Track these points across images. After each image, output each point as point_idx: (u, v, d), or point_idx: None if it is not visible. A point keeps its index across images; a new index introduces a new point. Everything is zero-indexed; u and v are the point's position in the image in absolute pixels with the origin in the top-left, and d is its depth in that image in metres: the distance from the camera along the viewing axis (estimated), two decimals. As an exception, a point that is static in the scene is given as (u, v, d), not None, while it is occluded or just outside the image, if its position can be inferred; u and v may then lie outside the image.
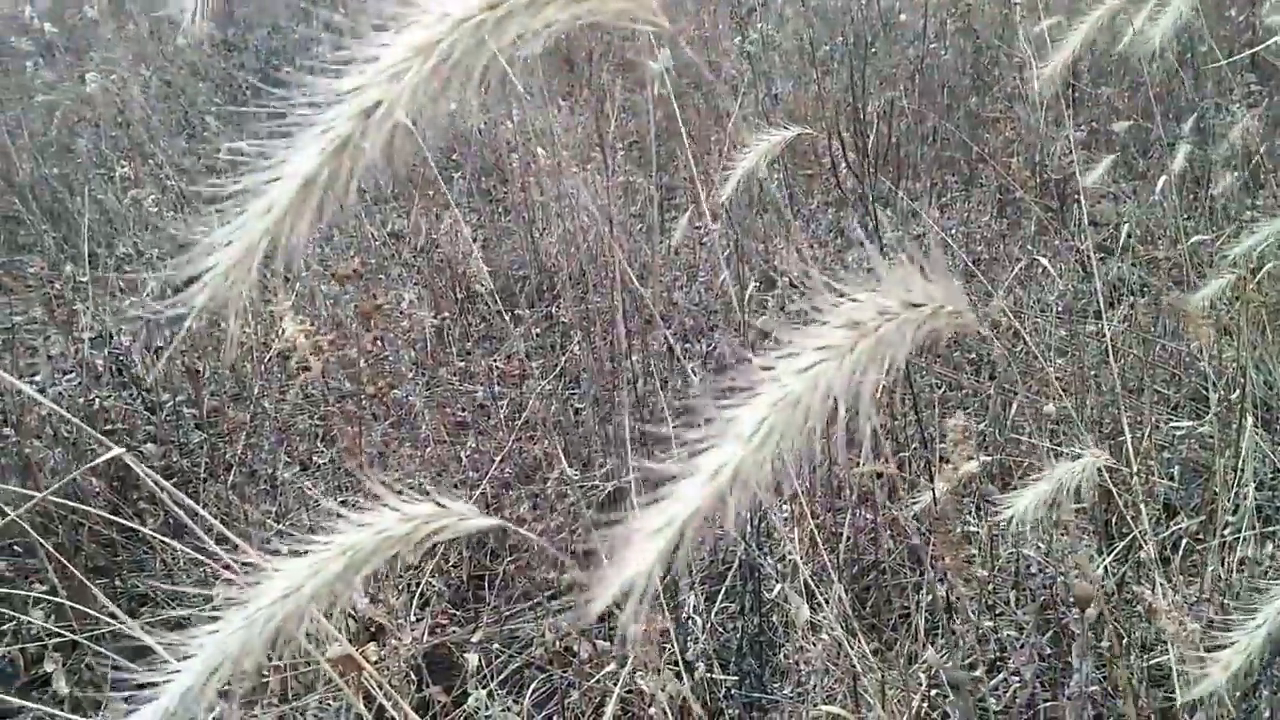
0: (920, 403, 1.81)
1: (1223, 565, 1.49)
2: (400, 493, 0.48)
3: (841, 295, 0.42)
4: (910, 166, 3.43)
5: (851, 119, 3.20)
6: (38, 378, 1.97)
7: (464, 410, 1.92)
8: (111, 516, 1.48)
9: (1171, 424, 1.86)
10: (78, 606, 1.01)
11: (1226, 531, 1.51)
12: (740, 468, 0.38)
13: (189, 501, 0.90)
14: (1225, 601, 1.33)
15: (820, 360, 0.40)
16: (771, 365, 0.40)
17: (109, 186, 2.60)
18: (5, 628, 1.25)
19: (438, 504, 0.47)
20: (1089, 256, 1.37)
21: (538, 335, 2.28)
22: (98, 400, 1.73)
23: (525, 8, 0.41)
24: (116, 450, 0.69)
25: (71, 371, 1.87)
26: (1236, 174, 1.74)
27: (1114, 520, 1.56)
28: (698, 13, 5.19)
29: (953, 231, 2.88)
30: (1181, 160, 1.54)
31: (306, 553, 0.47)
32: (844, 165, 2.62)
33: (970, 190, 3.30)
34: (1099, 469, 0.92)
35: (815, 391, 0.40)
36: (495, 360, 2.09)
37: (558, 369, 1.99)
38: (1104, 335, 2.25)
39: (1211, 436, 1.68)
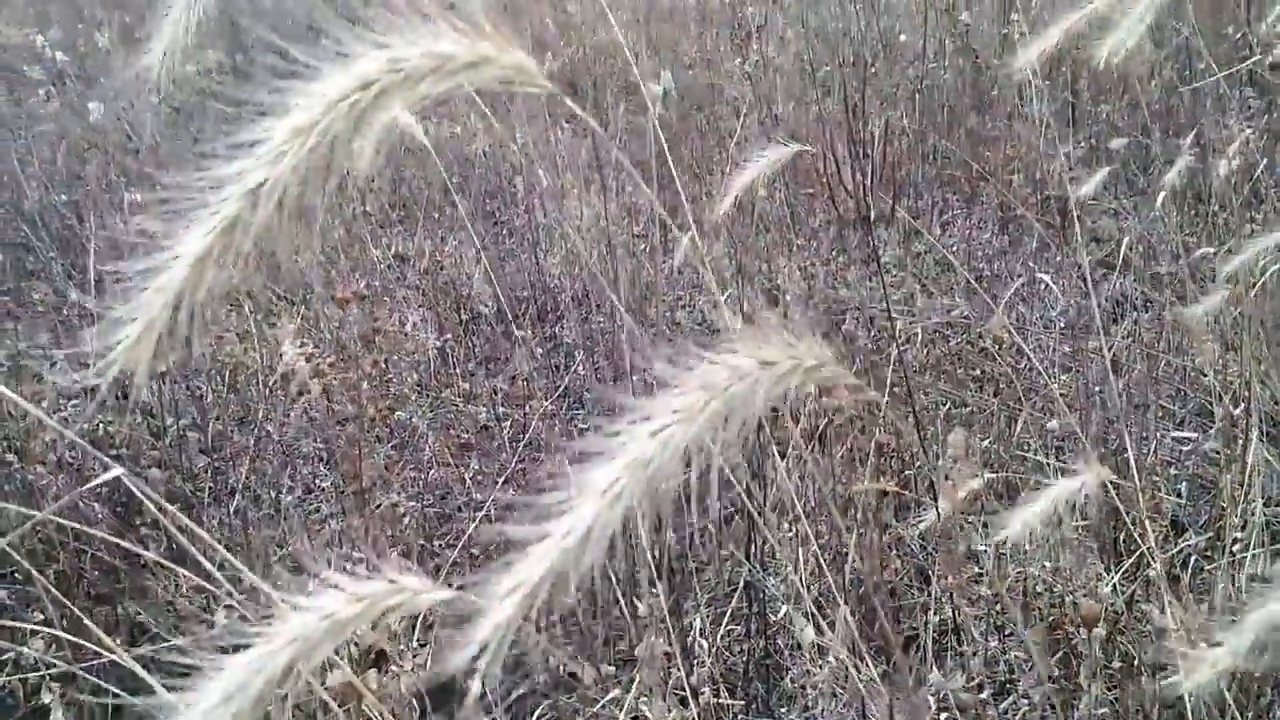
0: (924, 420, 1.81)
1: (1233, 583, 1.48)
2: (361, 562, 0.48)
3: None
4: (912, 185, 3.44)
5: (852, 138, 3.21)
6: (43, 404, 1.98)
7: (467, 432, 1.92)
8: (115, 540, 1.48)
9: (1176, 439, 1.85)
10: (75, 639, 1.01)
11: (1235, 548, 1.50)
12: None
13: (192, 525, 0.90)
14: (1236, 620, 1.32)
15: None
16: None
17: (117, 213, 2.62)
18: (5, 658, 1.25)
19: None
20: (1086, 274, 1.37)
21: (541, 356, 2.28)
22: (102, 425, 1.73)
23: (399, 85, 0.42)
24: (115, 470, 0.69)
25: (76, 397, 1.87)
26: (1233, 181, 1.74)
27: (1121, 538, 1.56)
28: (700, 35, 5.22)
29: (954, 249, 2.89)
30: (1176, 174, 1.54)
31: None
32: (843, 185, 2.63)
33: (971, 208, 3.31)
34: (1105, 485, 0.91)
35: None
36: (498, 381, 2.09)
37: (561, 389, 1.99)
38: (1108, 350, 2.25)
39: (1218, 452, 1.67)
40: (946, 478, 0.94)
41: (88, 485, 0.82)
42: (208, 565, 0.90)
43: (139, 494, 0.68)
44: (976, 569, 1.55)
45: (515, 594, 0.38)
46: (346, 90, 0.44)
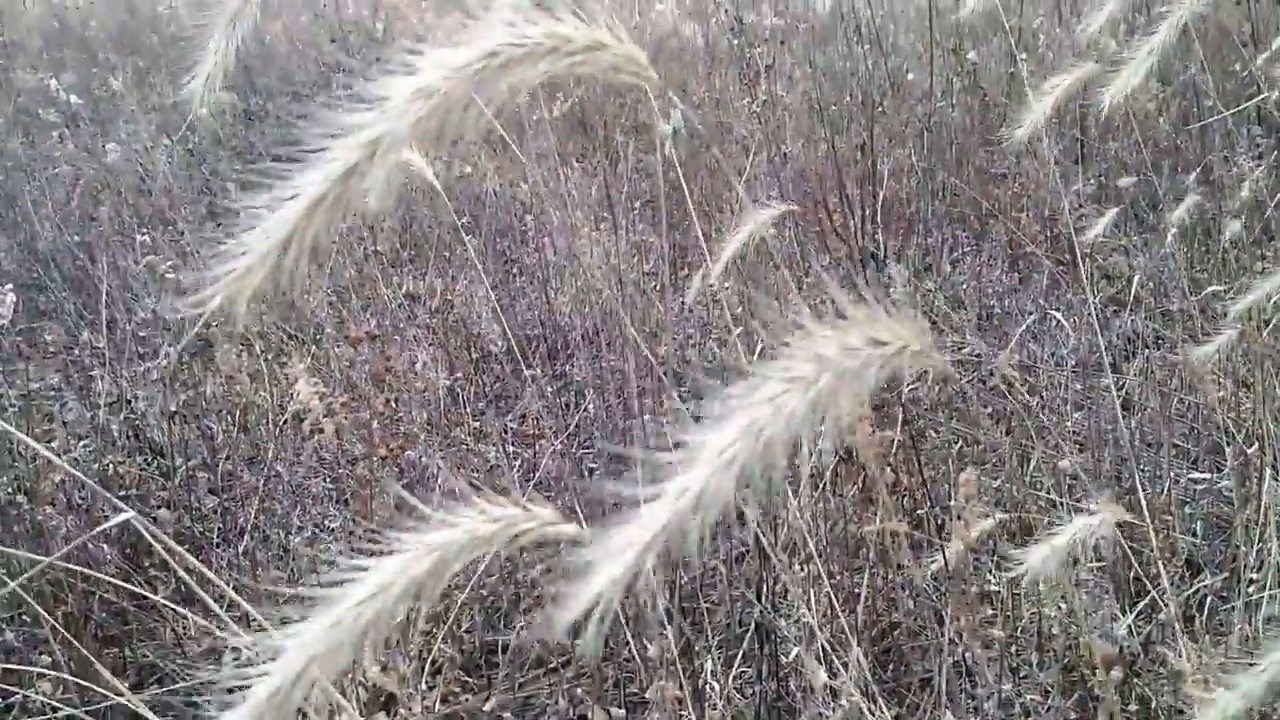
0: (936, 458, 1.80)
1: (1250, 624, 1.46)
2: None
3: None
4: (921, 222, 3.45)
5: (861, 176, 3.23)
6: (54, 444, 1.98)
7: (476, 471, 1.92)
8: (123, 584, 1.48)
9: (1191, 478, 1.84)
10: (83, 682, 1.01)
11: (1251, 589, 1.48)
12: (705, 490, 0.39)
13: (200, 567, 0.90)
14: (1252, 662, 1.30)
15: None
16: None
17: (130, 254, 2.64)
18: (13, 700, 1.24)
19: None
20: (1095, 312, 1.37)
21: (551, 395, 2.28)
22: (112, 465, 1.74)
23: (520, 59, 0.42)
24: (126, 514, 0.69)
25: (87, 437, 1.88)
26: (1244, 223, 1.74)
27: (1136, 577, 1.54)
28: (709, 75, 5.27)
29: (964, 286, 2.89)
30: (1182, 212, 1.54)
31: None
32: (852, 222, 2.63)
33: (982, 245, 3.31)
34: (1118, 525, 0.90)
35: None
36: (508, 420, 2.09)
37: (571, 428, 1.99)
38: (1120, 388, 2.24)
39: (1231, 490, 1.65)
40: (958, 517, 0.93)
41: (97, 529, 0.82)
42: (215, 607, 0.90)
43: (148, 536, 0.68)
44: (991, 610, 1.53)
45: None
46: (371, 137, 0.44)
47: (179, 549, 0.84)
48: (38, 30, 6.95)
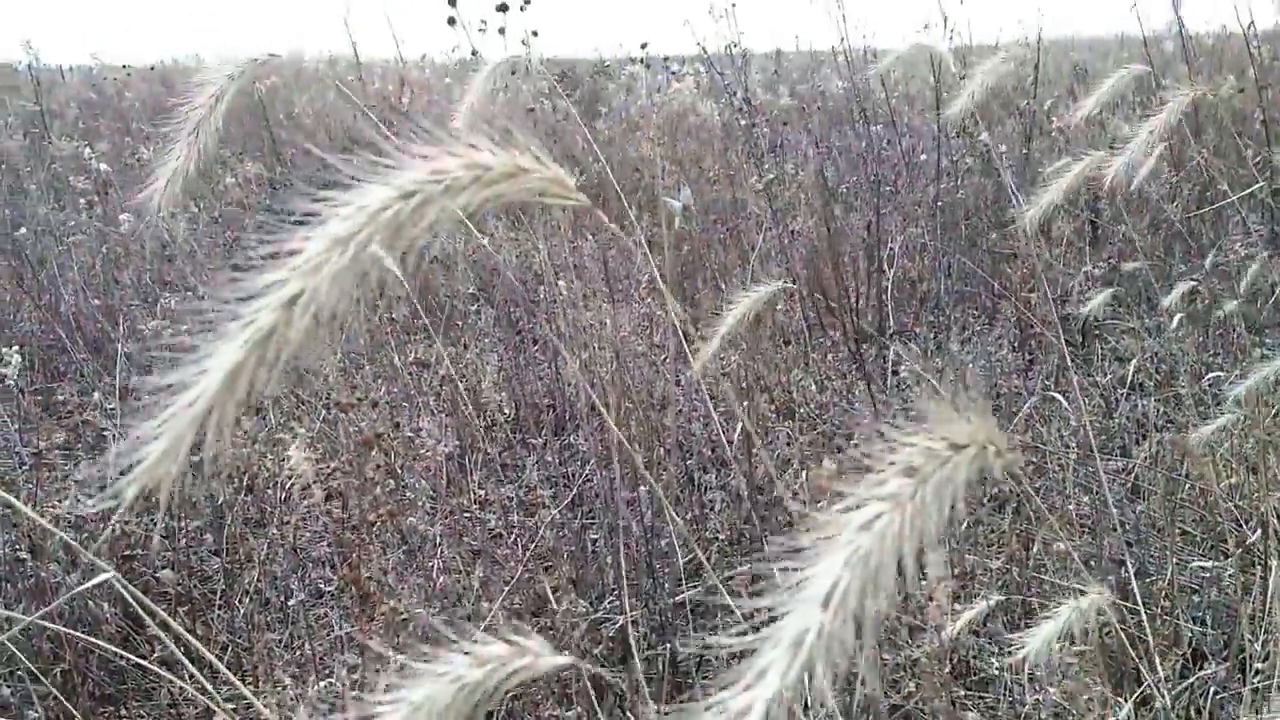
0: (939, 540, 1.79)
1: (1256, 715, 1.43)
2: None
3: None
4: (933, 300, 3.47)
5: (869, 254, 3.26)
6: (64, 500, 2.00)
7: (477, 539, 1.92)
8: (119, 643, 1.48)
9: (1197, 565, 1.82)
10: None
11: (1257, 679, 1.46)
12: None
13: (187, 636, 0.90)
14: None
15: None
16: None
17: (150, 317, 2.69)
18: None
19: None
20: (1102, 395, 1.37)
21: (556, 465, 2.29)
22: (118, 525, 1.75)
23: (440, 194, 0.44)
24: (107, 573, 0.70)
25: (95, 496, 1.90)
26: (1242, 306, 1.75)
27: (1134, 665, 1.52)
28: (725, 151, 5.36)
29: (973, 366, 2.89)
30: (1176, 297, 1.55)
31: None
32: (861, 300, 2.66)
33: (992, 324, 3.33)
34: (1120, 611, 0.90)
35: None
36: (512, 489, 2.09)
37: (572, 498, 2.00)
38: (1128, 472, 2.23)
39: (1232, 578, 1.64)
40: (930, 597, 0.93)
41: (82, 585, 0.83)
42: (215, 669, 0.90)
43: (134, 601, 0.69)
44: (990, 694, 1.51)
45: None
46: (387, 200, 0.45)
47: (160, 613, 0.85)
48: (75, 100, 7.16)
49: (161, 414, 0.43)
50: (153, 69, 7.47)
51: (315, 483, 1.24)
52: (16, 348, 1.78)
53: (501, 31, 2.62)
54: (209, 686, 0.81)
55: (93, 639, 1.38)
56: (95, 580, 0.73)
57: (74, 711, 0.98)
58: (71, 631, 1.29)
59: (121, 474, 0.45)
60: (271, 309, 0.43)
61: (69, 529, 1.84)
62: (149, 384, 0.44)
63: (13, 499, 0.76)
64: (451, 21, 2.46)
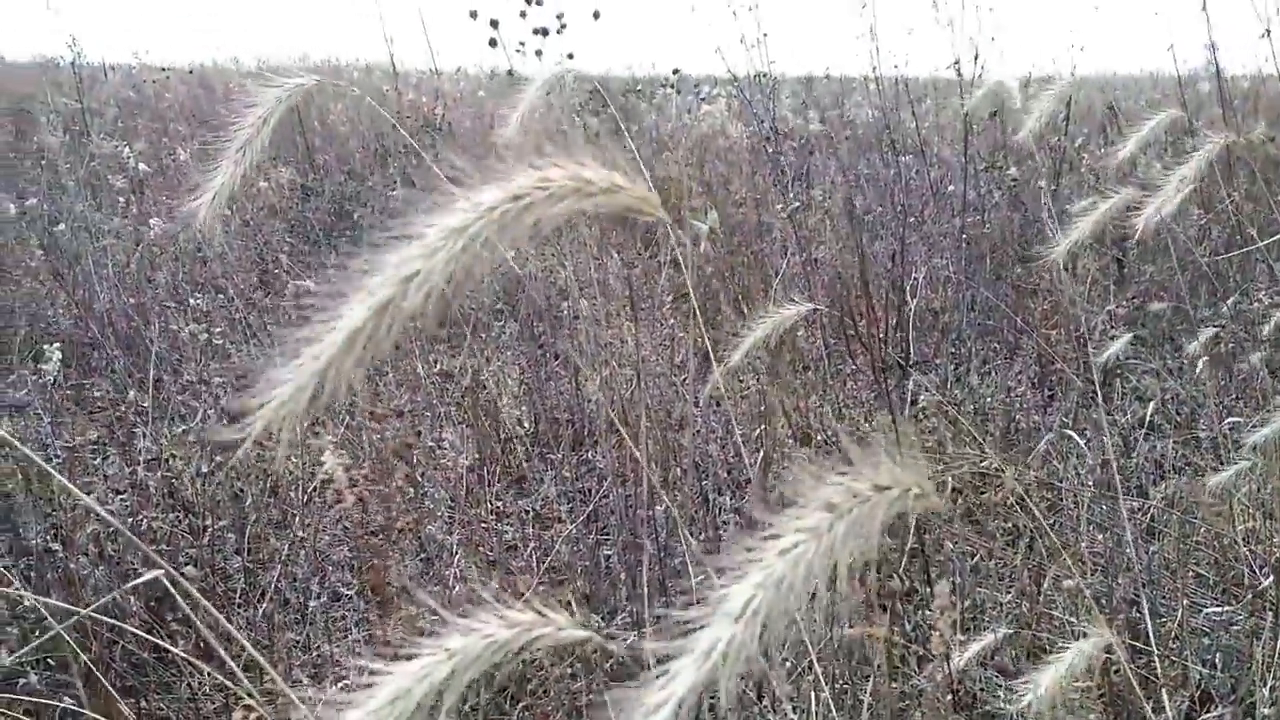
0: (948, 571, 1.80)
1: (1262, 760, 1.44)
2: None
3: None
4: (955, 331, 3.48)
5: (893, 284, 3.28)
6: (92, 496, 2.04)
7: (493, 550, 1.95)
8: (146, 636, 1.52)
9: (1211, 609, 1.82)
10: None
11: (1263, 724, 1.46)
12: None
13: (227, 626, 0.93)
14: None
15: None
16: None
17: (181, 317, 2.74)
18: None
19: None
20: (1121, 435, 1.39)
21: (573, 480, 2.31)
22: (145, 521, 1.79)
23: (544, 202, 0.48)
24: (156, 571, 0.73)
25: (125, 492, 1.94)
26: (1267, 353, 1.76)
27: (1146, 705, 1.52)
28: (753, 174, 5.39)
29: (992, 399, 2.90)
30: (1200, 345, 1.57)
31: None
32: (882, 329, 2.67)
33: (1013, 359, 3.33)
34: (1128, 651, 0.91)
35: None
36: (529, 503, 2.12)
37: (588, 513, 2.02)
38: (1145, 513, 2.24)
39: (1247, 622, 1.64)
40: (932, 627, 0.95)
41: (131, 583, 0.86)
42: (232, 665, 0.93)
43: (176, 593, 0.72)
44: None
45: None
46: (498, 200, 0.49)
47: (209, 607, 0.87)
48: (114, 99, 7.28)
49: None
50: (191, 72, 7.59)
51: (349, 488, 1.27)
52: (57, 345, 1.83)
53: (539, 54, 2.67)
54: (239, 673, 0.83)
55: (126, 628, 1.41)
56: (148, 576, 0.76)
57: (110, 692, 1.01)
58: (105, 618, 1.33)
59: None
60: (390, 284, 0.47)
61: (98, 523, 1.88)
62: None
63: (67, 483, 0.79)
64: (493, 43, 2.51)
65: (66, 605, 1.16)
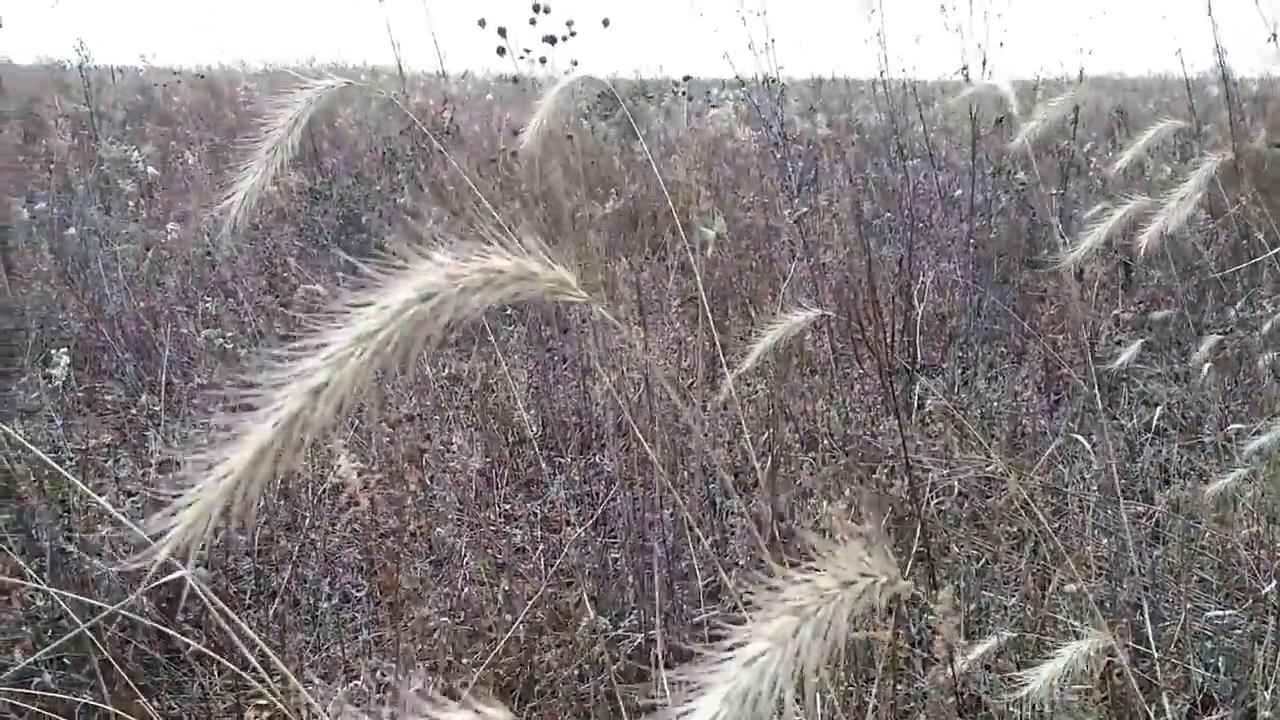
0: (954, 575, 1.81)
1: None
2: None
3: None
4: (962, 336, 3.49)
5: (900, 289, 3.29)
6: (104, 497, 2.06)
7: (502, 553, 1.96)
8: (173, 633, 1.53)
9: (1213, 612, 1.83)
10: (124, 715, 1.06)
11: (1266, 727, 1.47)
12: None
13: (242, 627, 0.95)
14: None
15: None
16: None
17: (191, 320, 2.76)
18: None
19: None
20: (1126, 439, 1.39)
21: (581, 483, 2.33)
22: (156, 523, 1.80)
23: (456, 295, 0.49)
24: (182, 570, 0.75)
25: (136, 494, 1.96)
26: (1274, 359, 1.77)
27: (1148, 707, 1.53)
28: (760, 178, 5.40)
29: (999, 404, 2.91)
30: (1206, 351, 1.58)
31: None
32: (889, 334, 2.68)
33: (1020, 363, 3.34)
34: (1135, 653, 0.92)
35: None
36: (537, 506, 2.14)
37: (595, 517, 2.04)
38: (1149, 518, 2.24)
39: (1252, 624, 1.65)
40: (935, 632, 0.96)
41: (156, 581, 0.87)
42: (255, 663, 0.94)
43: (203, 595, 0.74)
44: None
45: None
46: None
47: (224, 608, 0.89)
48: (122, 102, 7.32)
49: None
50: (202, 77, 7.62)
51: (363, 490, 1.29)
52: (65, 349, 1.85)
53: (543, 61, 2.69)
54: (257, 667, 0.85)
55: (138, 623, 1.43)
56: (172, 576, 0.77)
57: (130, 685, 1.03)
58: (130, 616, 1.34)
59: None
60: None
61: (110, 525, 1.90)
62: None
63: (84, 487, 0.81)
64: (501, 52, 2.53)
65: (93, 602, 1.18)
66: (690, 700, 0.42)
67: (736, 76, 5.35)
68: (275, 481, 2.23)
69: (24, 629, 1.60)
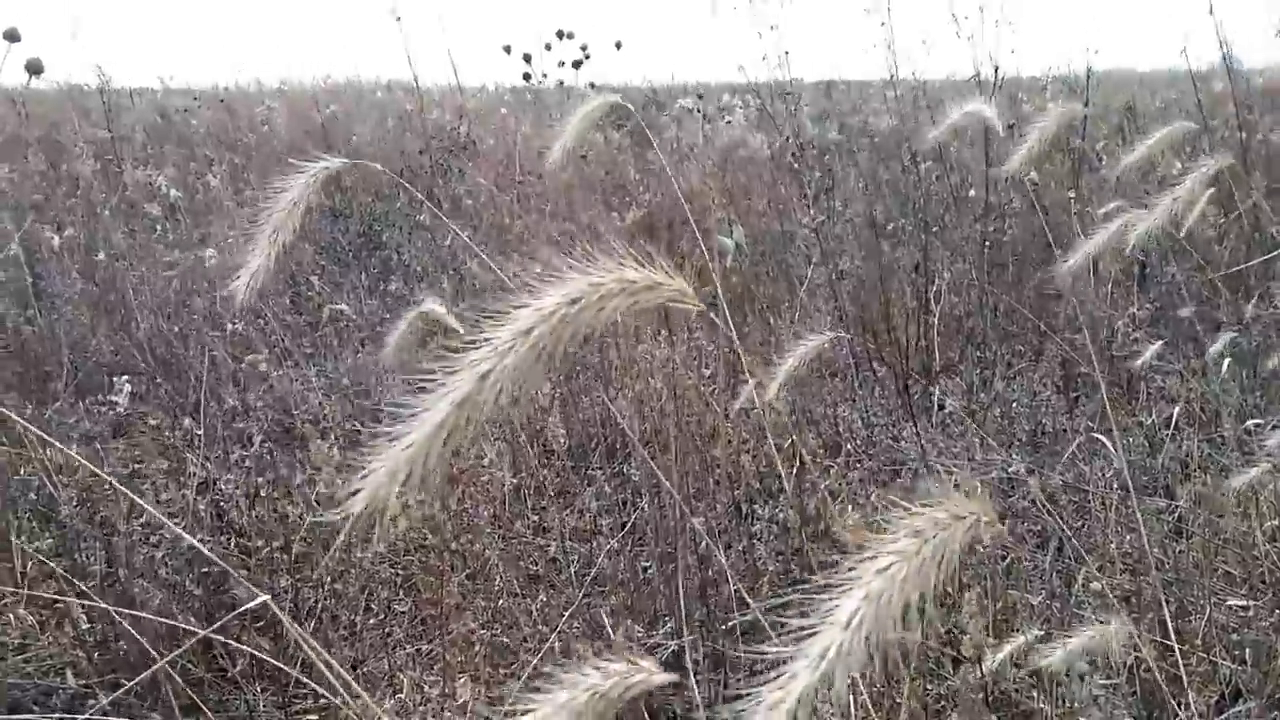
0: (981, 574, 1.84)
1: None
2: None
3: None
4: (980, 337, 3.51)
5: (916, 293, 3.32)
6: (139, 520, 2.12)
7: (536, 564, 2.00)
8: (243, 645, 1.58)
9: (1238, 605, 1.85)
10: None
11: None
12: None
13: (316, 647, 0.98)
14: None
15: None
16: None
17: (221, 342, 2.81)
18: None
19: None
20: (1147, 435, 1.42)
21: (609, 493, 2.37)
22: (200, 541, 1.85)
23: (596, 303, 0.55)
24: (262, 597, 0.79)
25: (177, 515, 2.01)
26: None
27: (1175, 700, 1.56)
28: (774, 183, 5.44)
29: (1018, 403, 2.93)
30: (1221, 346, 1.60)
31: None
32: (906, 337, 2.71)
33: (1038, 362, 3.36)
34: (1161, 647, 0.95)
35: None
36: (567, 516, 2.17)
37: (626, 526, 2.07)
38: (1171, 513, 2.27)
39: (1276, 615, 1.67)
40: (961, 631, 1.00)
41: (238, 610, 0.91)
42: (344, 676, 0.98)
43: (283, 616, 0.78)
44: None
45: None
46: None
47: (311, 642, 0.92)
48: (142, 125, 7.42)
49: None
50: (222, 101, 7.71)
51: (400, 513, 1.33)
52: (126, 377, 1.90)
53: (561, 84, 2.74)
54: (337, 691, 0.89)
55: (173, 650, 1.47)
56: (253, 603, 0.81)
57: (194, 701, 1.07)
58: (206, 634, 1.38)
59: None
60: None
61: (152, 546, 1.95)
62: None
63: (142, 501, 0.85)
64: (527, 77, 2.58)
65: (172, 622, 1.22)
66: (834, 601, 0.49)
67: (749, 81, 5.38)
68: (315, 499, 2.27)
69: (76, 652, 1.65)
